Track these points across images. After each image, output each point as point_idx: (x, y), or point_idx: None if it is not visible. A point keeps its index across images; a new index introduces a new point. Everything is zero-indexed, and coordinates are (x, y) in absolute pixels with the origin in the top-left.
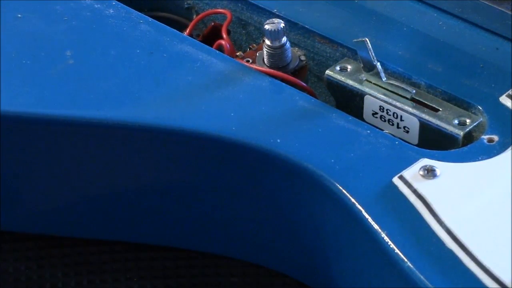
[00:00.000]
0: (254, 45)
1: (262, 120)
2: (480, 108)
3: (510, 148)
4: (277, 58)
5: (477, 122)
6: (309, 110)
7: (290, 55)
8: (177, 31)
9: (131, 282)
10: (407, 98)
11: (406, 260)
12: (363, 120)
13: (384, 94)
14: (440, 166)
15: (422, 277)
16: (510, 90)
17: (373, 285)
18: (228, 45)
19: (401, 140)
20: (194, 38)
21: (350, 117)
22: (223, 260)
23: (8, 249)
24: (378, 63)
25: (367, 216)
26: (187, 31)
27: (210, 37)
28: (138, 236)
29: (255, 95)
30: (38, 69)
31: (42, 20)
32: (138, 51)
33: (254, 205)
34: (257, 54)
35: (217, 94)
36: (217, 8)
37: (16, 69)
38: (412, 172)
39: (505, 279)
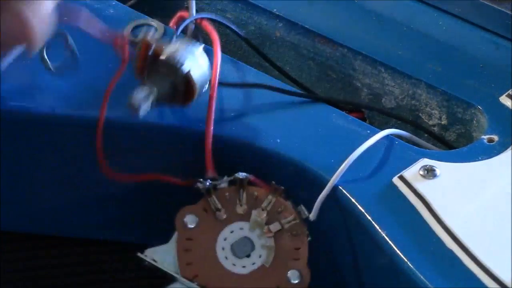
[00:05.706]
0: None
1: (262, 120)
2: (480, 108)
3: (510, 148)
4: None
5: None
6: (309, 110)
7: None
8: None
9: (131, 282)
10: None
11: (406, 260)
12: None
13: None
14: (440, 166)
15: (422, 277)
16: (510, 90)
17: (373, 284)
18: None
19: (401, 140)
20: None
21: (350, 117)
22: None
23: (8, 249)
24: None
25: (367, 216)
26: None
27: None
28: (138, 236)
29: (255, 95)
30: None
31: None
32: None
33: None
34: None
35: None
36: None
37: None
38: (412, 172)
39: (505, 279)
